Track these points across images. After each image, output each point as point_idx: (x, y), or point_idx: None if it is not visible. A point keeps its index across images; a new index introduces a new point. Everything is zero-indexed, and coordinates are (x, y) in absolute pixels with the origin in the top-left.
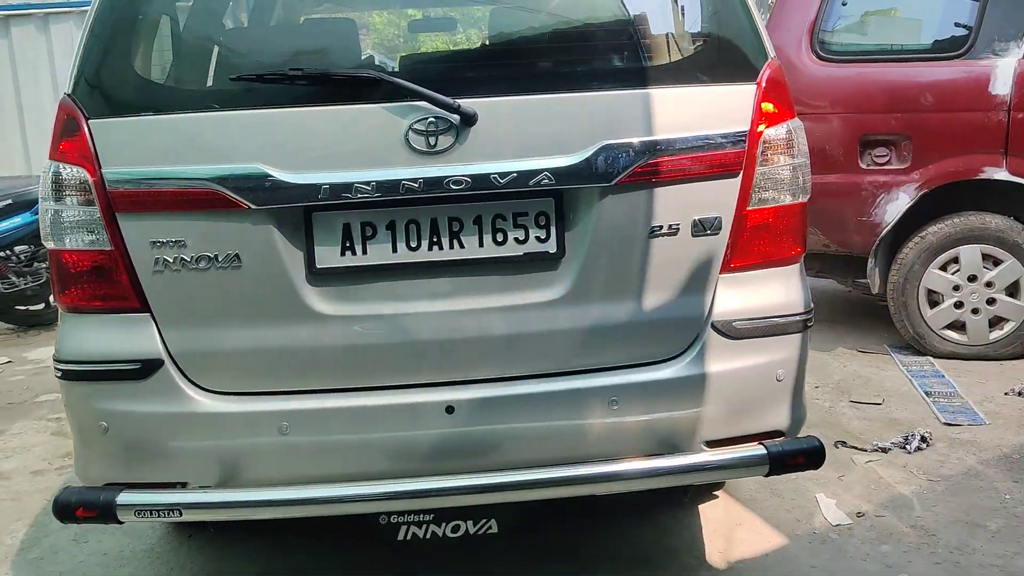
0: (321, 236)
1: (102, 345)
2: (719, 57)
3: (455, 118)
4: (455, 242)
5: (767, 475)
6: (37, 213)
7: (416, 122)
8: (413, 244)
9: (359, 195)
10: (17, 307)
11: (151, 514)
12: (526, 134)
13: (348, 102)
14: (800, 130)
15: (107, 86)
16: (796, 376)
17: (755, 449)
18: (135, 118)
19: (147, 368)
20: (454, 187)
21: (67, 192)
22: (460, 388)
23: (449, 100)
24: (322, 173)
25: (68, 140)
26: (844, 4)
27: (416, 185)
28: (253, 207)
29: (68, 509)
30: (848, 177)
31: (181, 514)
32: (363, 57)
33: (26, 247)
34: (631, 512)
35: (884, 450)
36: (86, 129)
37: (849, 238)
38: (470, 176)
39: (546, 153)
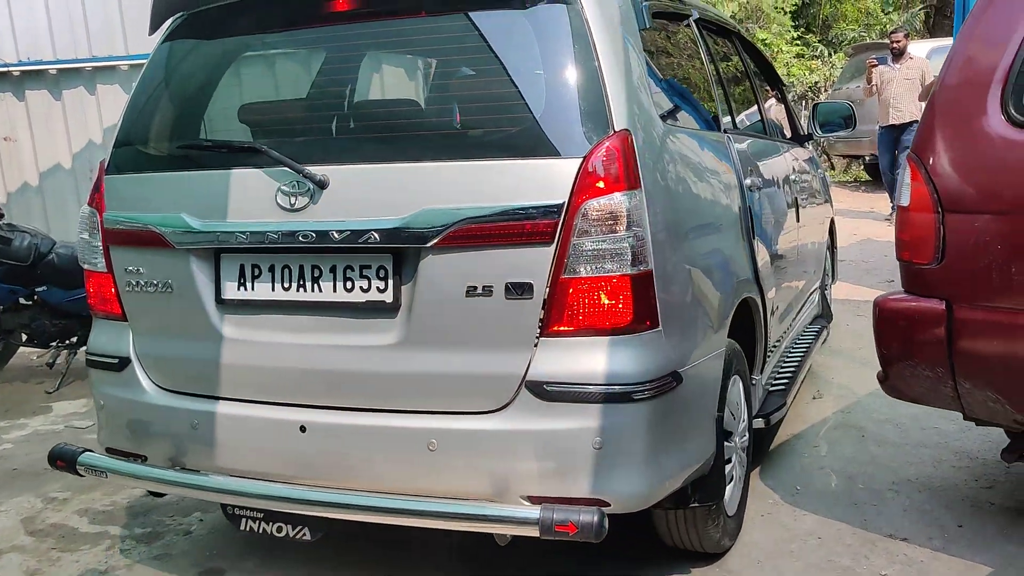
0: (226, 273)
1: (102, 343)
2: (548, 130)
3: (310, 182)
4: (315, 286)
5: (540, 537)
6: None
7: (283, 184)
8: (286, 285)
9: (239, 242)
10: None
11: (94, 472)
12: (366, 198)
13: (244, 167)
14: (634, 202)
15: (120, 151)
16: (627, 448)
17: (528, 510)
18: (123, 175)
19: (123, 363)
20: (302, 240)
21: (90, 228)
22: (311, 411)
23: (299, 166)
24: (219, 223)
25: (95, 191)
26: None
27: (276, 236)
28: (177, 247)
29: (52, 459)
30: None
31: (107, 476)
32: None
33: None
34: None
35: None
36: (104, 183)
37: None
38: (314, 231)
39: (378, 214)
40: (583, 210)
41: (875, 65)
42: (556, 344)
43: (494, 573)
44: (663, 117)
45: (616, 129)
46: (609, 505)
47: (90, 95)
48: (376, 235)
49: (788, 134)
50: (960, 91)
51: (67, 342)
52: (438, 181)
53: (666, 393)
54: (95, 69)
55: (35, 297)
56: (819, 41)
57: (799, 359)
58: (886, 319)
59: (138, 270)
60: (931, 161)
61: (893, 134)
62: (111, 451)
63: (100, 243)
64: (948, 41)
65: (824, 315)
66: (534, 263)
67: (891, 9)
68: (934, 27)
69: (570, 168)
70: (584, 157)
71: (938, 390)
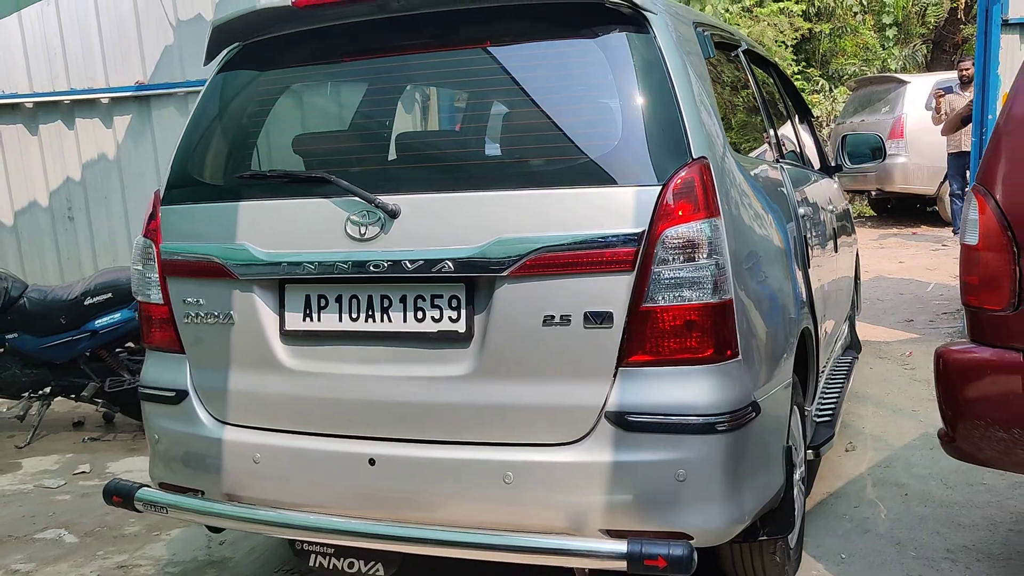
0: (290, 303)
1: (158, 376)
2: (625, 158)
3: (382, 212)
4: (385, 316)
5: (627, 571)
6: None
7: (353, 214)
8: (354, 315)
9: (306, 272)
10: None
11: (152, 508)
12: (439, 227)
13: (310, 196)
14: (714, 230)
15: (175, 183)
16: (710, 479)
17: (615, 543)
18: (182, 206)
19: (180, 396)
20: (374, 269)
21: (145, 260)
22: (381, 444)
23: (371, 196)
24: (285, 252)
25: (150, 221)
26: None
27: (346, 266)
28: (240, 278)
29: (108, 494)
30: None
31: (167, 512)
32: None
33: (133, 344)
34: None
35: None
36: (160, 214)
37: None
38: (386, 260)
39: (451, 243)
40: (663, 238)
41: (942, 95)
42: (635, 374)
43: None
44: (728, 146)
45: (694, 156)
46: (692, 539)
47: (68, 130)
48: (450, 264)
49: (817, 165)
50: None
51: (39, 393)
52: (512, 210)
53: (746, 424)
54: (73, 102)
55: (5, 345)
56: (820, 75)
57: (839, 389)
58: (951, 373)
59: (198, 301)
60: (1001, 192)
61: (964, 160)
62: (164, 486)
63: (156, 274)
64: (950, 75)
65: (853, 345)
66: (613, 292)
67: (891, 44)
68: (932, 62)
69: (649, 196)
70: (664, 185)
71: (1015, 454)
